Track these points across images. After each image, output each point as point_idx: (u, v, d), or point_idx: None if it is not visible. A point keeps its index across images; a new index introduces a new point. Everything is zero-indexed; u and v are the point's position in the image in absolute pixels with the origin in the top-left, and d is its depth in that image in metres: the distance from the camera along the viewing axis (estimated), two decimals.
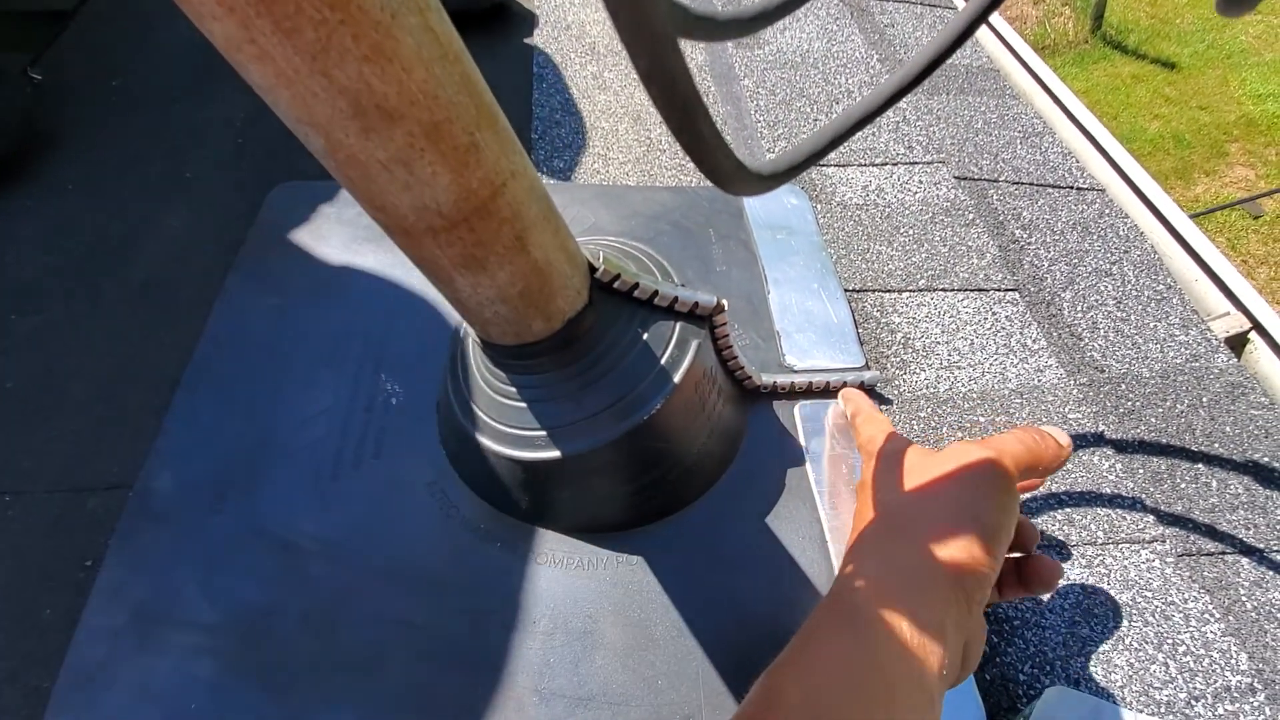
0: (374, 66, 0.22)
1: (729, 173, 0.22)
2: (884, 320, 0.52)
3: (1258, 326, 0.64)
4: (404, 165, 0.24)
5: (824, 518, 0.40)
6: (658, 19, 0.15)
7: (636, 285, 0.35)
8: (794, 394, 0.45)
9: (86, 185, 0.54)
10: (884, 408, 0.46)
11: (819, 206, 0.59)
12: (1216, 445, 0.46)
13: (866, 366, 0.46)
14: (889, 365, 0.49)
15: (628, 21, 0.15)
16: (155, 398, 0.43)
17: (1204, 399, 0.49)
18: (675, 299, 0.36)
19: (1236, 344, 0.65)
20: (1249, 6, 0.23)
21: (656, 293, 0.35)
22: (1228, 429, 0.47)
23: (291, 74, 0.21)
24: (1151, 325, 0.54)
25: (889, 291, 0.53)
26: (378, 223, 0.28)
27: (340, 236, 0.50)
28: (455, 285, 0.30)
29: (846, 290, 0.52)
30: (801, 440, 0.42)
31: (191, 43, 0.67)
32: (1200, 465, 0.45)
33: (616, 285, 0.34)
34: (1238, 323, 0.65)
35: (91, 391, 0.43)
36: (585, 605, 0.36)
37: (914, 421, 0.46)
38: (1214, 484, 0.44)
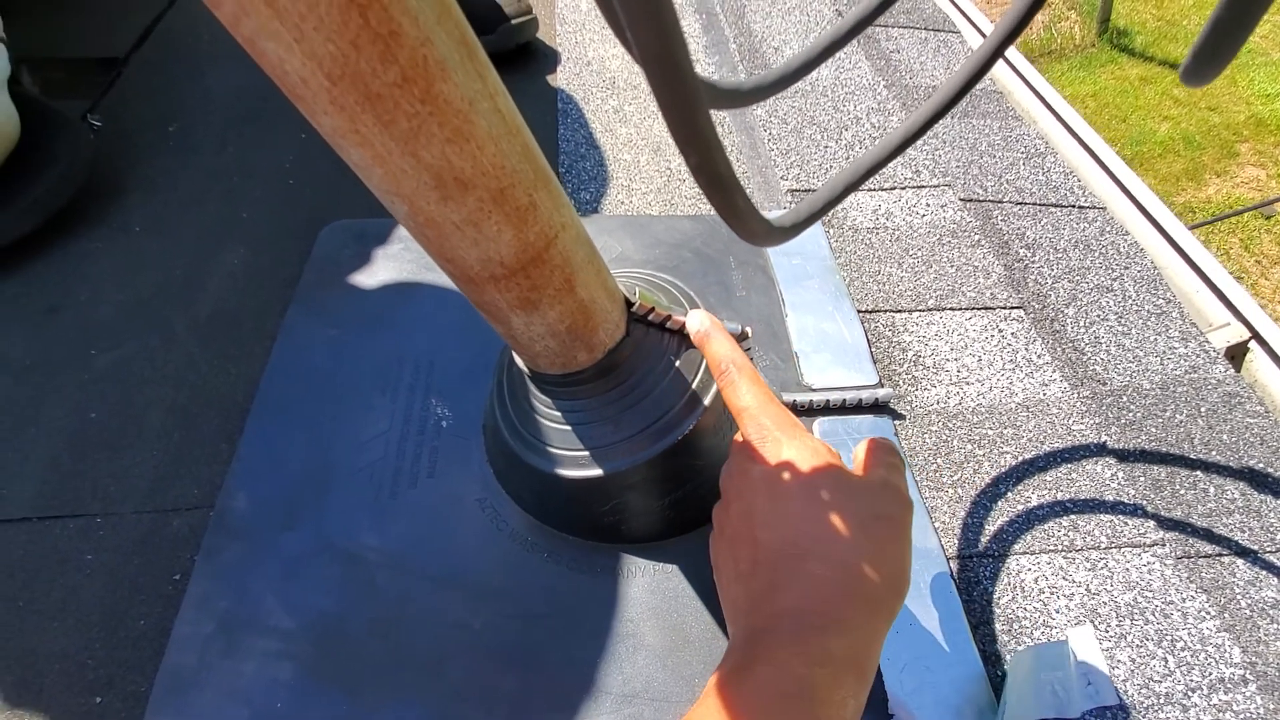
0: (454, 147, 0.25)
1: (758, 232, 0.26)
2: (895, 339, 0.55)
3: (1257, 336, 0.66)
4: (474, 225, 0.28)
5: None
6: (709, 127, 0.19)
7: (669, 317, 0.38)
8: (812, 411, 0.48)
9: (151, 227, 0.59)
10: (897, 423, 0.50)
11: (831, 231, 0.63)
12: (1214, 453, 0.49)
13: (880, 384, 0.50)
14: (901, 383, 0.52)
15: (685, 131, 0.19)
16: (227, 424, 0.47)
17: (1202, 409, 0.52)
18: None
19: (1237, 353, 0.68)
20: (1212, 76, 0.26)
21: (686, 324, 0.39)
22: (1225, 437, 0.50)
23: (386, 155, 0.25)
24: (1152, 339, 0.57)
25: (900, 311, 0.57)
26: (446, 272, 0.32)
27: (388, 271, 0.55)
28: (511, 324, 0.34)
29: (859, 311, 0.56)
30: None
31: (239, 89, 0.72)
32: (1198, 472, 0.48)
33: (650, 318, 0.38)
34: (1238, 333, 0.67)
35: (169, 420, 0.47)
36: (626, 610, 0.40)
37: (926, 436, 0.49)
38: (1211, 490, 0.47)
